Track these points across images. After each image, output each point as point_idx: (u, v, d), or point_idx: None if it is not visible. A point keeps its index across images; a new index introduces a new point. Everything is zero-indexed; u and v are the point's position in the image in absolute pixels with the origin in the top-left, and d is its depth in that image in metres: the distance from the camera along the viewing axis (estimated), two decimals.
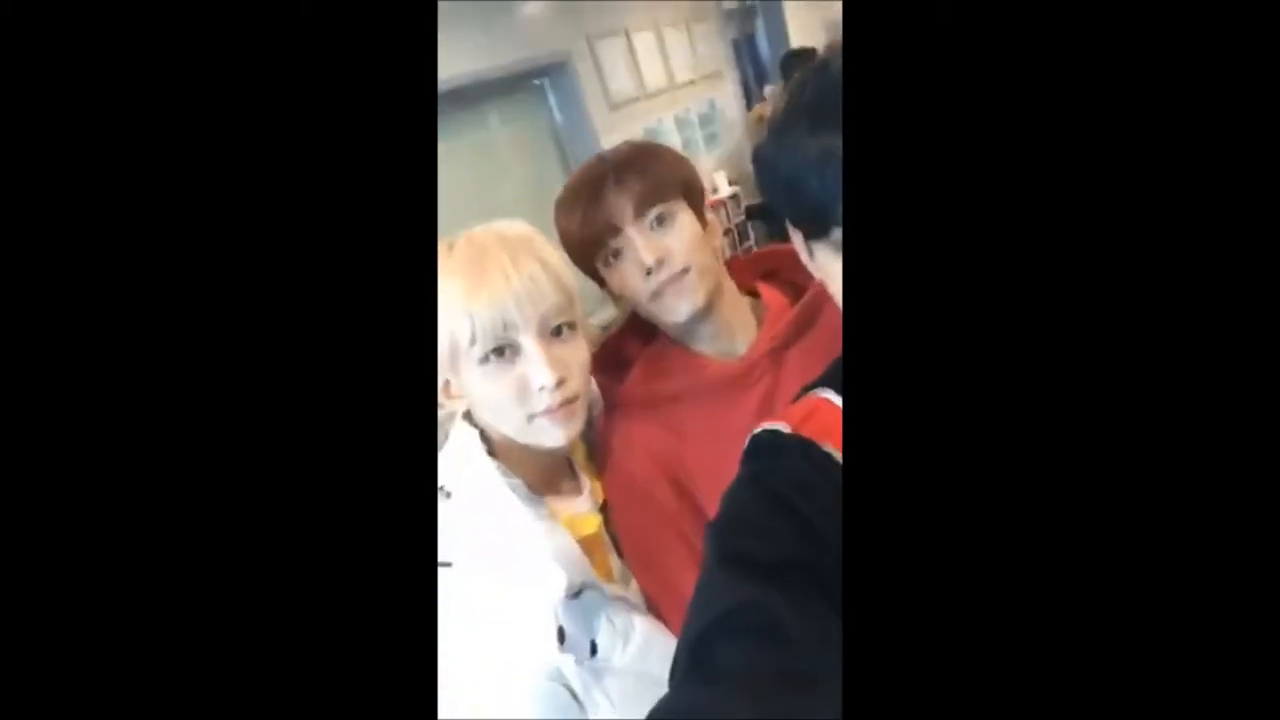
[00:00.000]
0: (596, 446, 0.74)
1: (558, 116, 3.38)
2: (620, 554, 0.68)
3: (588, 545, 0.63)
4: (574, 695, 0.58)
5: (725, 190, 4.05)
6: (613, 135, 3.34)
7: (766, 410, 0.65)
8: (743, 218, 4.13)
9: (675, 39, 3.97)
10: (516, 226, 0.65)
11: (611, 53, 3.51)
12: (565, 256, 0.66)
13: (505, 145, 3.18)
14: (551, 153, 3.37)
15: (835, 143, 0.36)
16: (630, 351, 0.78)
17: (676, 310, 0.68)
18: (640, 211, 0.67)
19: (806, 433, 0.45)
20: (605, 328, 0.81)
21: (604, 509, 0.69)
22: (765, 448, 0.46)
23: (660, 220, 0.68)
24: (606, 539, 0.68)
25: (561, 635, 0.57)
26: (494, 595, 0.59)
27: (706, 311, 0.69)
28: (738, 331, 0.72)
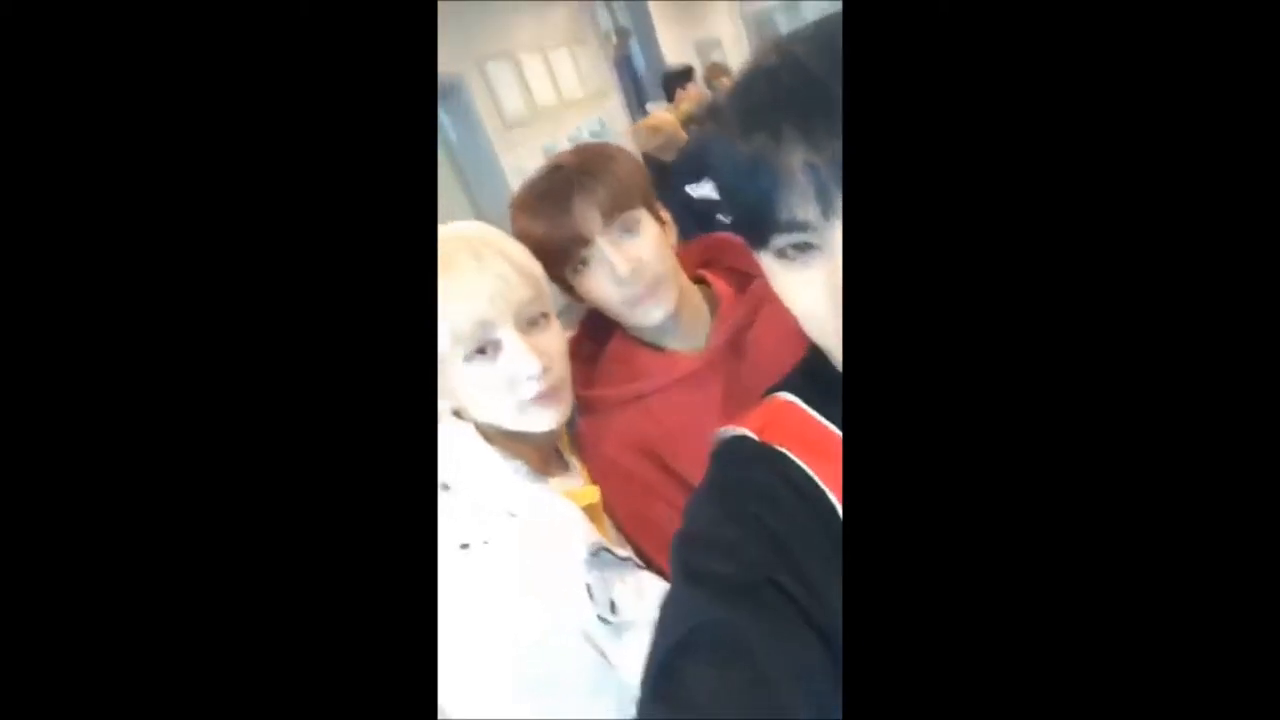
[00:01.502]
0: (575, 438, 0.78)
1: (452, 136, 3.41)
2: (622, 531, 0.73)
3: (590, 514, 0.66)
4: (602, 654, 0.61)
5: None
6: (511, 153, 3.41)
7: (733, 395, 0.70)
8: None
9: (560, 60, 4.10)
10: (472, 227, 0.66)
11: (501, 74, 3.59)
12: (525, 251, 0.68)
13: None
14: (447, 171, 3.40)
15: (769, 146, 0.35)
16: (588, 349, 0.81)
17: (651, 316, 0.71)
18: (609, 220, 0.69)
19: (772, 438, 0.44)
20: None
21: (595, 482, 0.74)
22: (733, 456, 0.46)
23: (626, 227, 0.70)
24: (603, 510, 0.72)
25: (589, 593, 0.60)
26: (516, 569, 0.61)
27: (674, 312, 0.72)
28: (697, 324, 0.76)
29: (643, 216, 0.71)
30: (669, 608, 0.40)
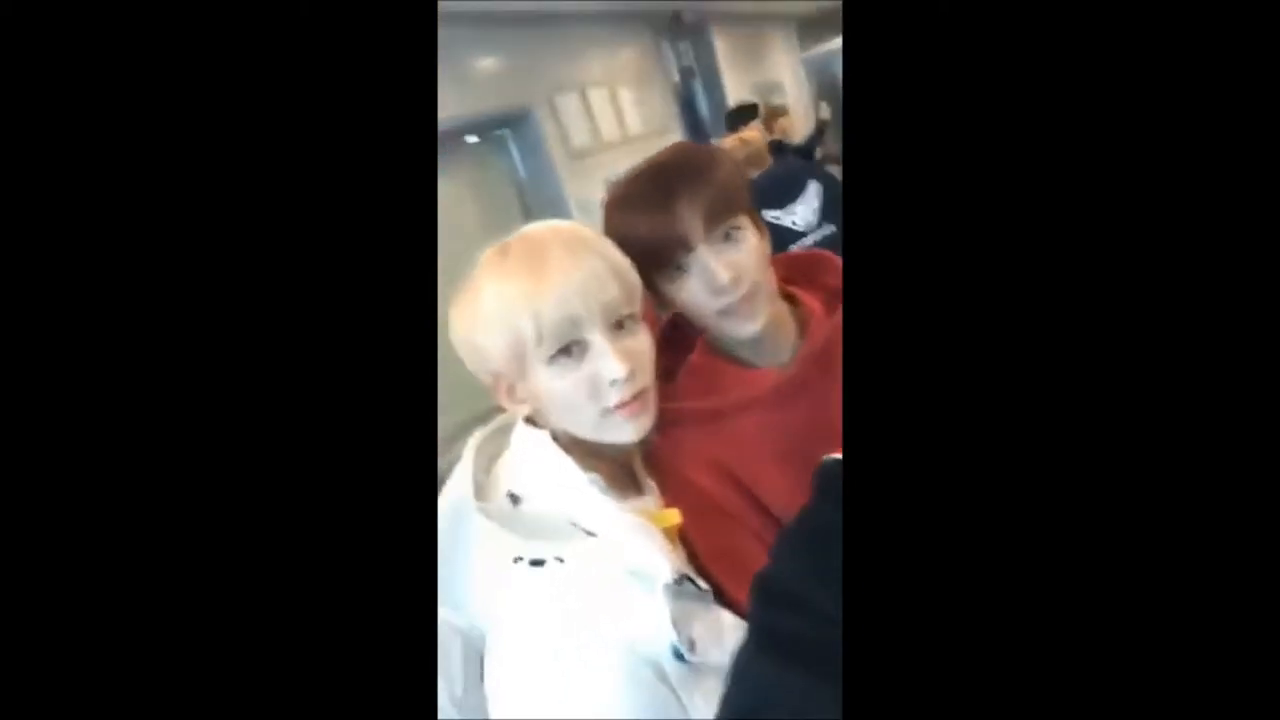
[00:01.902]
0: (650, 456, 0.72)
1: (520, 167, 3.43)
2: (697, 562, 0.67)
3: (669, 539, 0.61)
4: (675, 694, 0.55)
5: None
6: (576, 183, 3.41)
7: (819, 418, 0.66)
8: None
9: (627, 96, 4.13)
10: (565, 223, 0.64)
11: (569, 106, 3.61)
12: (618, 250, 0.63)
13: (467, 194, 3.19)
14: (512, 195, 3.40)
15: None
16: (666, 360, 0.75)
17: (743, 329, 0.68)
18: (712, 226, 0.65)
19: None
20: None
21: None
22: (833, 487, 0.43)
23: (729, 236, 0.66)
24: (679, 539, 0.67)
25: (674, 625, 0.54)
26: (591, 590, 0.56)
27: (767, 326, 0.69)
28: (783, 340, 0.73)
29: (745, 224, 0.68)
30: (743, 665, 0.38)
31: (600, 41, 4.04)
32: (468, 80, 3.06)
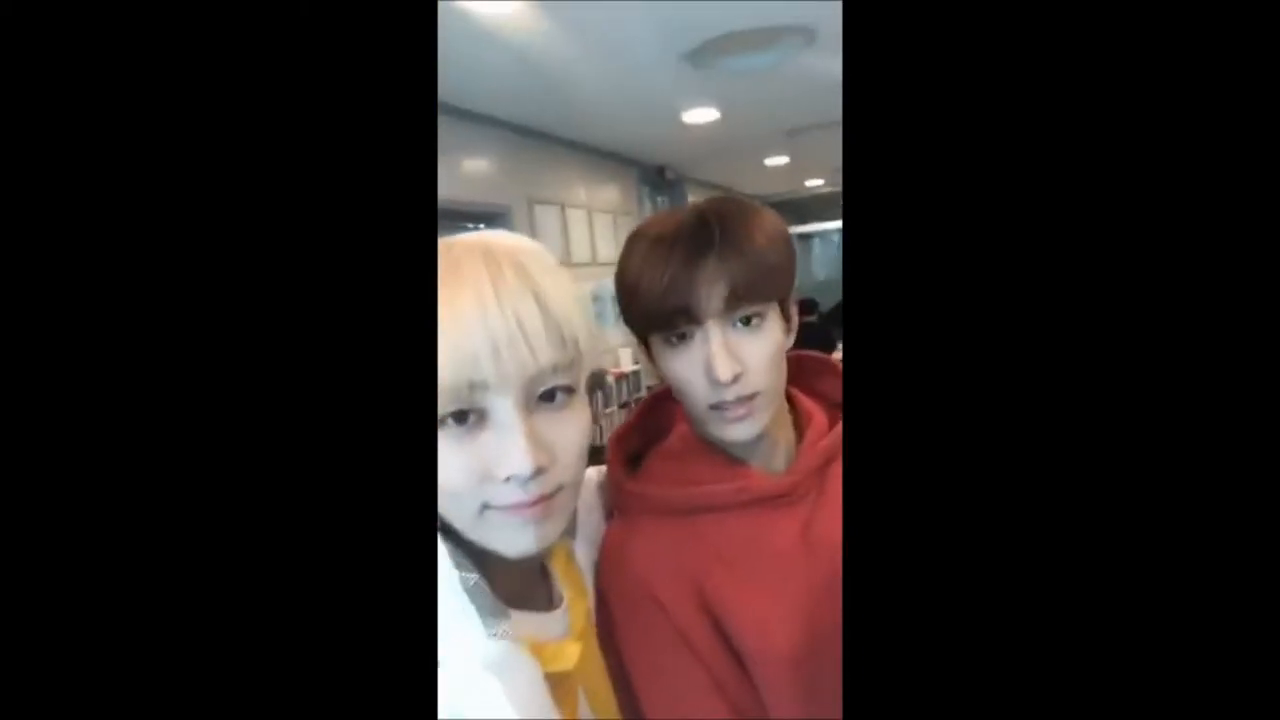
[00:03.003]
0: (595, 547, 0.61)
1: None
2: (613, 675, 0.55)
3: (556, 685, 0.45)
4: None
5: (628, 365, 4.20)
6: None
7: (810, 534, 0.58)
8: (640, 394, 4.24)
9: (602, 224, 4.28)
10: (513, 240, 0.46)
11: (547, 219, 3.71)
12: (573, 291, 0.47)
13: None
14: None
15: None
16: (646, 429, 0.67)
17: (732, 432, 0.57)
18: (731, 306, 0.55)
19: None
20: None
21: (584, 635, 0.54)
22: None
23: (748, 321, 0.56)
24: (582, 680, 0.52)
25: None
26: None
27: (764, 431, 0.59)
28: (780, 443, 0.63)
29: (771, 315, 0.57)
30: None
31: (588, 169, 4.22)
32: (456, 170, 3.12)
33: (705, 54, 2.66)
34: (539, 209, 3.66)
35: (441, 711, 0.39)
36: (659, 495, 0.60)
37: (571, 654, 0.49)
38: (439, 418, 0.42)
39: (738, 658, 0.56)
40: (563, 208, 3.86)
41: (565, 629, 0.52)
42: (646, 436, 0.67)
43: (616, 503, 0.62)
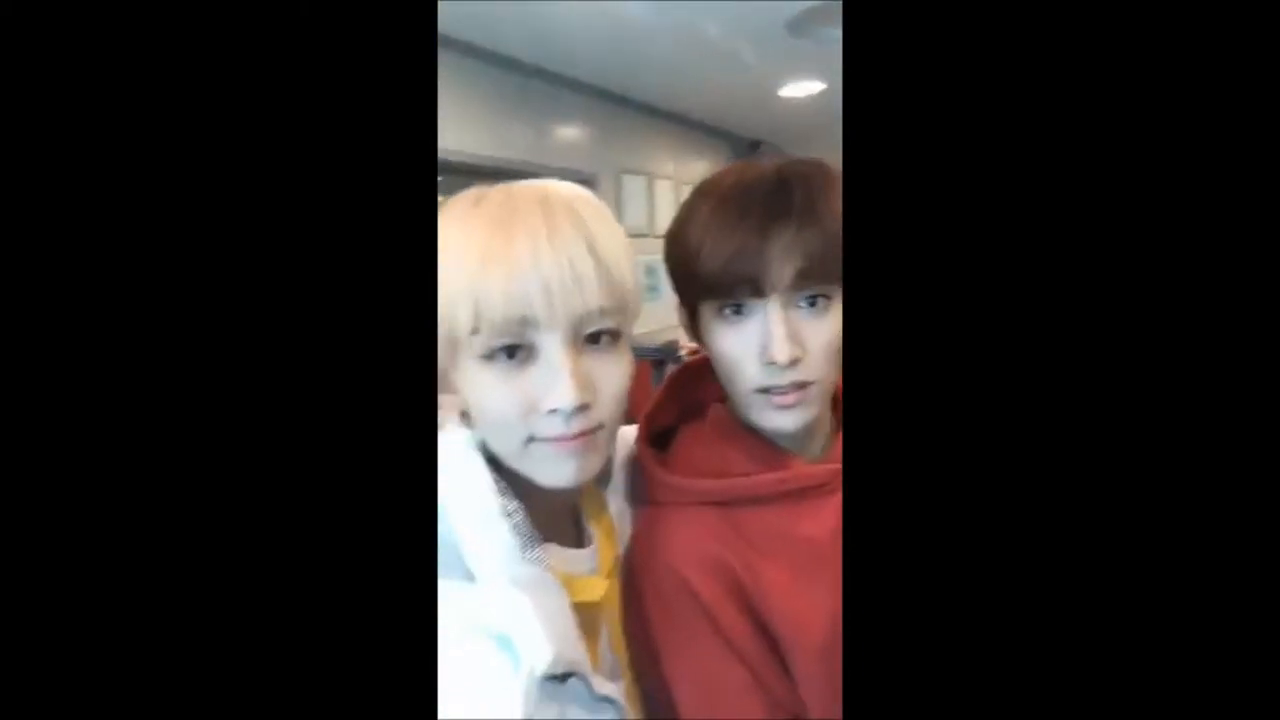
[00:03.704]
0: (630, 537, 0.59)
1: None
2: (646, 665, 0.55)
3: (584, 616, 0.46)
4: None
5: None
6: None
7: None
8: None
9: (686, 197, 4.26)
10: (571, 190, 0.49)
11: (634, 188, 3.71)
12: (624, 242, 0.48)
13: None
14: None
15: None
16: (668, 413, 0.64)
17: (780, 421, 0.55)
18: (801, 283, 0.51)
19: None
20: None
21: (610, 576, 0.55)
22: None
23: (814, 302, 0.53)
24: (605, 619, 0.54)
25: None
26: (454, 650, 0.40)
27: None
28: (817, 430, 0.60)
29: (837, 298, 0.53)
30: None
31: (679, 141, 4.19)
32: (548, 136, 3.16)
33: (807, 23, 2.58)
34: (626, 178, 3.66)
35: (469, 625, 0.41)
36: (694, 487, 0.57)
37: (599, 588, 0.51)
38: (490, 351, 0.45)
39: (774, 649, 0.54)
40: (650, 178, 3.85)
41: (594, 568, 0.54)
42: (677, 412, 0.65)
43: (648, 488, 0.60)
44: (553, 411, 0.45)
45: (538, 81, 3.00)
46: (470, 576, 0.43)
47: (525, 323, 0.44)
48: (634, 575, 0.56)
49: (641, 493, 0.61)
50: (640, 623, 0.55)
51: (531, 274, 0.43)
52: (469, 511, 0.45)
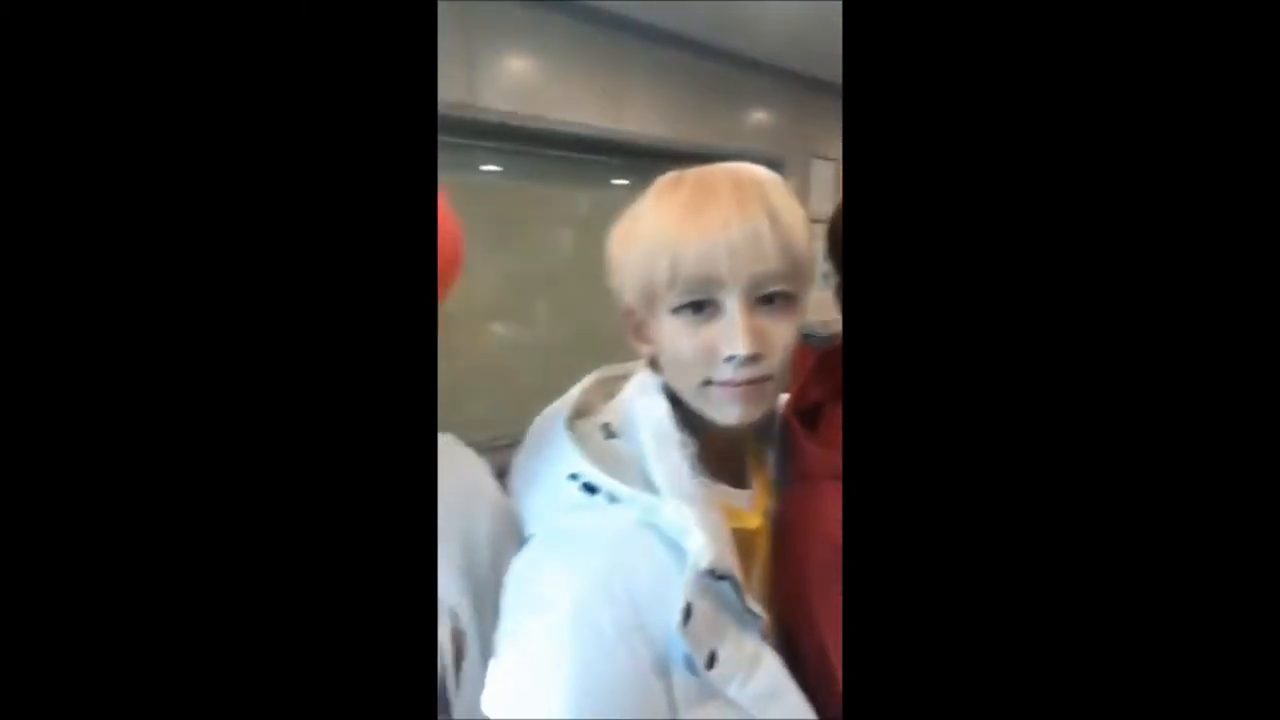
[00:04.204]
0: (782, 501, 0.64)
1: None
2: (777, 600, 0.59)
3: (740, 543, 0.53)
4: (670, 702, 0.48)
5: None
6: None
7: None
8: None
9: None
10: (759, 170, 0.57)
11: (823, 174, 3.67)
12: (802, 216, 0.56)
13: None
14: None
15: None
16: (819, 391, 0.67)
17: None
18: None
19: None
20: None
21: (764, 518, 0.61)
22: None
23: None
24: (758, 551, 0.59)
25: (688, 614, 0.47)
26: (627, 544, 0.50)
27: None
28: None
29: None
30: None
31: None
32: (743, 119, 3.21)
33: None
34: (816, 164, 3.63)
35: (646, 524, 0.51)
36: (830, 462, 0.61)
37: (755, 519, 0.58)
38: (680, 305, 0.54)
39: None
40: (838, 164, 3.79)
41: (750, 509, 0.61)
42: (828, 389, 0.69)
43: (799, 459, 0.64)
44: (729, 359, 0.53)
45: (731, 68, 3.05)
46: (652, 489, 0.53)
47: (711, 280, 0.52)
48: (787, 540, 0.61)
49: (793, 463, 0.65)
50: (793, 584, 0.59)
51: (720, 239, 0.51)
52: (654, 437, 0.55)
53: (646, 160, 2.76)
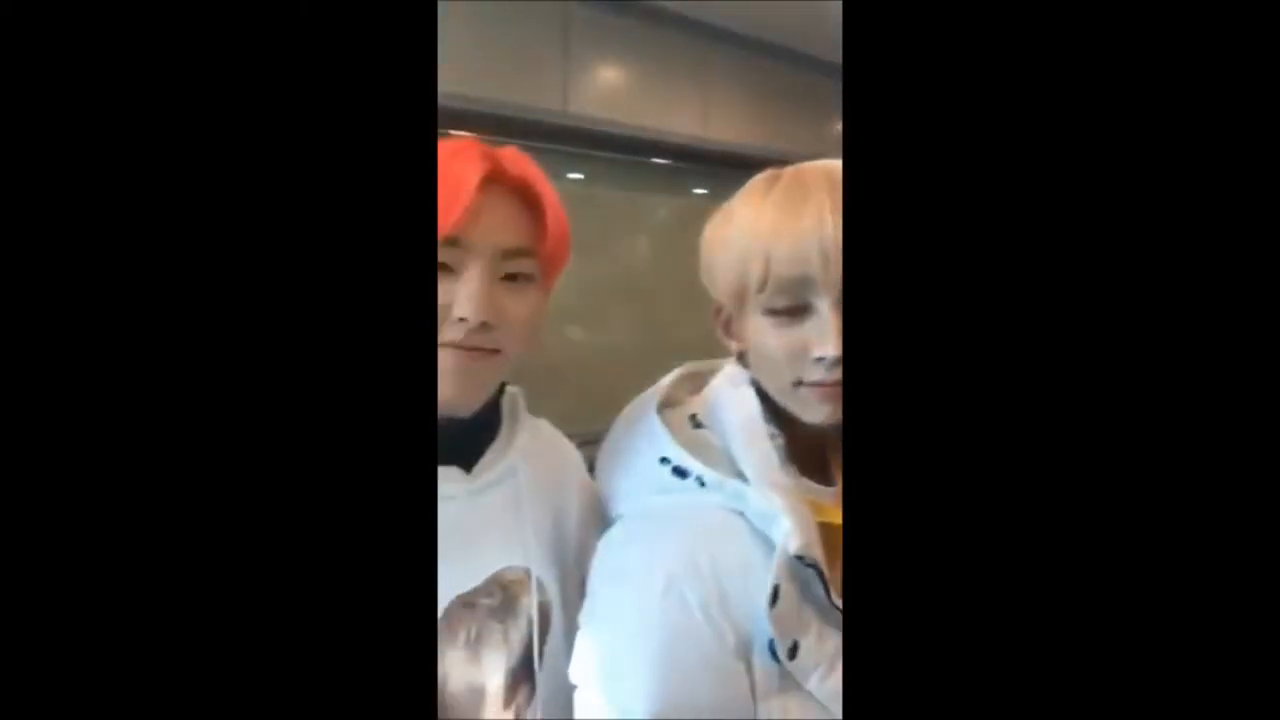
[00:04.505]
0: None
1: None
2: None
3: (825, 538, 0.53)
4: (751, 688, 0.49)
5: None
6: None
7: None
8: None
9: None
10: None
11: None
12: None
13: None
14: None
15: None
16: None
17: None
18: None
19: None
20: None
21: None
22: None
23: None
24: (838, 546, 0.59)
25: (775, 596, 0.48)
26: (714, 529, 0.52)
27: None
28: None
29: None
30: None
31: None
32: (825, 130, 3.18)
33: None
34: None
35: (734, 510, 0.52)
36: None
37: (840, 515, 0.57)
38: (772, 306, 0.54)
39: None
40: None
41: (836, 504, 0.62)
42: None
43: None
44: (819, 360, 0.53)
45: (815, 75, 3.02)
46: (740, 479, 0.54)
47: (804, 282, 0.52)
48: None
49: None
50: None
51: (814, 241, 0.51)
52: (743, 428, 0.57)
53: (728, 169, 2.77)
